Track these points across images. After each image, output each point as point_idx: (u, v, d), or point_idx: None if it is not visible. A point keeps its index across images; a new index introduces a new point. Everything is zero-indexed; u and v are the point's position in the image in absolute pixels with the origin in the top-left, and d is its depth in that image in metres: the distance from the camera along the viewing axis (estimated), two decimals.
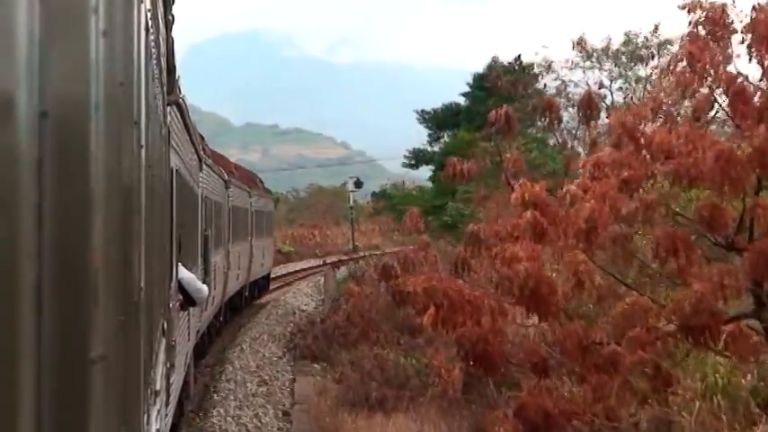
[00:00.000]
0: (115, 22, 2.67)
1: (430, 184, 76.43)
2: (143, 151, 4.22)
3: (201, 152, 19.21)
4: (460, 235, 29.32)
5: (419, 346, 20.46)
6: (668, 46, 42.94)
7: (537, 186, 11.69)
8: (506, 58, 63.70)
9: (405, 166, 68.82)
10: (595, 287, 11.61)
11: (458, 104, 66.42)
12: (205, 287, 12.92)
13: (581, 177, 12.21)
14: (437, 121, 67.59)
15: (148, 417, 5.02)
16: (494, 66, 63.34)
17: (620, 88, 47.80)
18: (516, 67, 61.68)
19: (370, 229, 71.19)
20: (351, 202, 69.53)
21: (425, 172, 74.08)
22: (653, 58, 45.34)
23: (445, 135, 66.85)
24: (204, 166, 19.79)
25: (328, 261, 50.57)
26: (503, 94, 61.80)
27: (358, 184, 70.47)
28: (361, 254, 54.73)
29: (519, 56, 62.47)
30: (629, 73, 47.72)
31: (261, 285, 37.60)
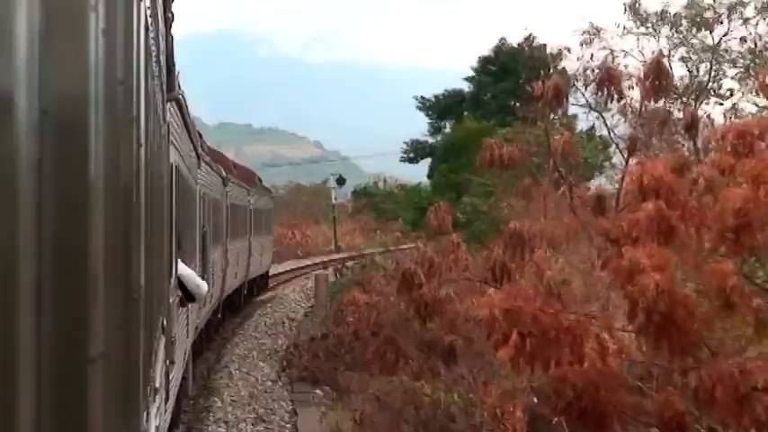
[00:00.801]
0: (115, 21, 2.67)
1: (413, 182, 71.74)
2: (142, 149, 4.23)
3: (200, 149, 19.20)
4: (476, 234, 27.71)
5: (458, 376, 15.62)
6: (740, 9, 35.87)
7: (659, 166, 8.78)
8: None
9: (403, 160, 63.33)
10: (752, 310, 8.26)
11: (461, 91, 60.94)
12: (204, 283, 12.92)
13: (717, 153, 9.16)
14: (439, 108, 61.49)
15: (148, 414, 5.02)
16: (501, 48, 58.85)
17: (683, 58, 39.72)
18: (527, 48, 56.01)
19: (352, 228, 66.26)
20: (333, 200, 65.39)
21: (405, 169, 69.77)
22: (720, 23, 37.43)
23: (447, 125, 61.70)
24: (203, 163, 19.78)
25: (315, 262, 47.79)
26: (518, 73, 53.96)
27: (340, 181, 66.18)
28: (345, 254, 51.06)
29: (530, 35, 56.97)
30: (695, 41, 39.11)
31: (260, 283, 37.56)
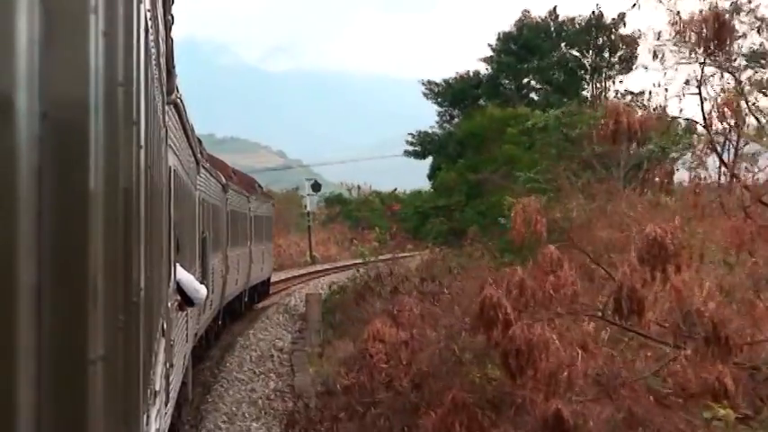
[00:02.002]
0: (115, 23, 2.67)
1: (387, 190, 67.77)
2: (142, 152, 4.23)
3: (199, 155, 19.19)
4: (497, 245, 25.94)
5: None
6: None
7: None
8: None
9: (407, 154, 54.63)
10: None
11: (477, 74, 53.01)
12: (203, 288, 12.91)
13: None
14: (451, 94, 53.14)
15: (148, 417, 5.02)
16: (524, 23, 51.62)
17: None
18: (552, 21, 50.92)
19: (325, 237, 61.24)
20: (307, 207, 59.56)
21: (372, 177, 65.58)
22: None
23: (448, 120, 54.51)
24: (202, 169, 19.77)
25: (292, 275, 44.76)
26: (544, 51, 49.70)
27: (316, 187, 59.81)
28: (327, 266, 48.35)
29: (554, 8, 51.27)
30: None
31: (260, 290, 37.51)
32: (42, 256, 1.75)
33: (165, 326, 8.10)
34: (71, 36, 2.03)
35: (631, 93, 37.89)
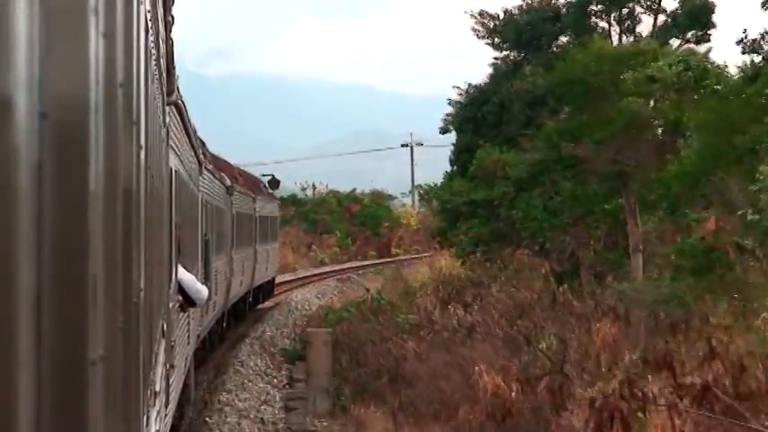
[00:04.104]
0: (115, 24, 2.67)
1: (346, 189, 61.59)
2: (142, 152, 4.23)
3: (202, 156, 19.17)
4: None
5: None
6: None
7: None
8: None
9: (443, 131, 39.29)
10: None
11: (555, 4, 35.70)
12: (205, 288, 12.92)
13: None
14: (516, 32, 35.25)
15: (148, 417, 5.02)
16: None
17: None
18: None
19: (280, 242, 50.93)
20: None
21: (315, 180, 59.71)
22: None
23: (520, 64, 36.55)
24: (205, 171, 19.73)
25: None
26: None
27: (273, 184, 47.30)
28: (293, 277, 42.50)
29: None
30: None
31: (265, 290, 37.47)
32: (42, 257, 1.75)
33: (165, 327, 8.10)
34: (71, 37, 2.03)
35: None
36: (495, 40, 36.61)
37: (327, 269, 48.09)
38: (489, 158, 32.33)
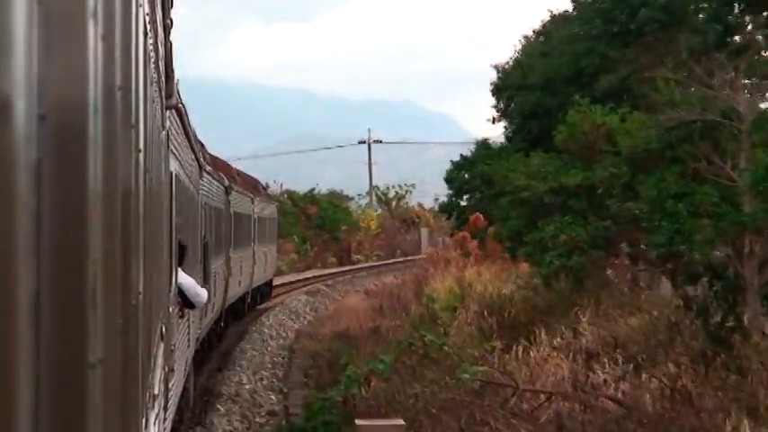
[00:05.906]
0: (114, 26, 2.67)
1: (304, 189, 59.21)
2: (141, 155, 4.23)
3: (202, 159, 19.19)
4: None
5: None
6: None
7: None
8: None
9: (497, 89, 30.01)
10: None
11: None
12: (204, 291, 12.91)
13: None
14: None
15: (147, 421, 5.02)
16: None
17: None
18: None
19: None
20: None
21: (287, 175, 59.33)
22: None
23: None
24: (204, 173, 19.76)
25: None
26: None
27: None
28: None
29: None
30: None
31: (263, 291, 37.49)
32: (41, 259, 1.75)
33: (164, 330, 8.10)
34: (70, 39, 2.04)
35: None
36: None
37: (289, 278, 44.86)
38: (587, 123, 21.28)
